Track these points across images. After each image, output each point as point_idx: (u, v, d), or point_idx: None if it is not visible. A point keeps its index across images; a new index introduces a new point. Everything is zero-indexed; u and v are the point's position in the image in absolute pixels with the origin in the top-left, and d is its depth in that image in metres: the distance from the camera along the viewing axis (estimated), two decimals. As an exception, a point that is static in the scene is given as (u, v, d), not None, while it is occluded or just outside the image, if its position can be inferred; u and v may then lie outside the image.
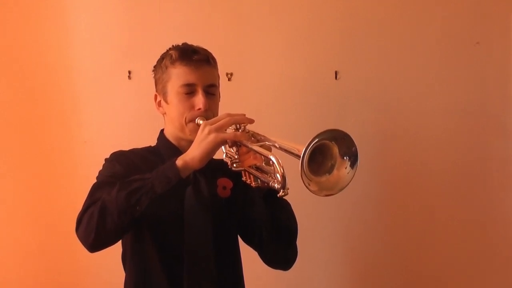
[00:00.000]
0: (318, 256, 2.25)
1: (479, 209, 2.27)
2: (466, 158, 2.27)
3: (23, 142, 2.23)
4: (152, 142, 1.68)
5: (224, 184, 1.60)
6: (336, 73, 2.24)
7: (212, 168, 1.49)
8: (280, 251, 1.59)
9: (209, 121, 1.39)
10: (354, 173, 1.19)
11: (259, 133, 1.39)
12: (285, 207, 1.55)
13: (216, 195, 1.58)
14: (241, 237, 1.68)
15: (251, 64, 2.25)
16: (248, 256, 1.67)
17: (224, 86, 1.71)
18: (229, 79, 2.21)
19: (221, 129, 1.35)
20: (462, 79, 2.26)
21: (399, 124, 2.28)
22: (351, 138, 1.16)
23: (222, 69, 1.68)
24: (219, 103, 1.63)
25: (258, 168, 1.39)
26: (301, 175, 1.12)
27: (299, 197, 1.57)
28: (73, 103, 2.23)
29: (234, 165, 1.43)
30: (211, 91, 1.57)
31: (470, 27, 2.26)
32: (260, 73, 2.25)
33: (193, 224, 1.52)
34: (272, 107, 2.23)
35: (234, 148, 1.42)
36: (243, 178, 1.45)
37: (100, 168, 1.57)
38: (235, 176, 1.56)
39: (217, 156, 1.42)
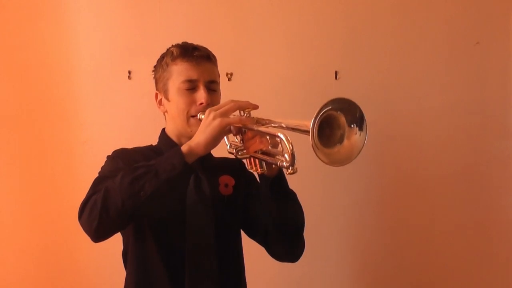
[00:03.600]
0: (322, 253, 2.24)
1: (479, 208, 2.28)
2: (466, 158, 2.28)
3: (23, 142, 2.22)
4: (153, 141, 1.68)
5: (226, 182, 1.59)
6: (336, 73, 2.25)
7: (213, 166, 1.49)
8: (287, 244, 1.57)
9: (214, 107, 1.37)
10: (366, 134, 1.18)
11: (264, 118, 1.37)
12: (292, 198, 1.53)
13: (218, 193, 1.57)
14: (246, 233, 1.67)
15: (251, 64, 2.25)
16: (250, 254, 1.66)
17: (224, 86, 1.71)
18: (229, 79, 2.21)
19: (226, 114, 1.34)
20: (462, 79, 2.27)
21: (399, 124, 2.28)
22: (355, 104, 1.16)
23: (222, 69, 1.68)
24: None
25: (264, 153, 1.36)
26: (313, 148, 1.10)
27: (304, 192, 1.58)
28: (73, 103, 2.23)
29: (239, 153, 1.40)
30: (212, 87, 1.56)
31: (470, 27, 2.27)
32: (260, 73, 2.25)
33: (195, 222, 1.50)
34: (272, 107, 2.19)
35: (238, 137, 1.41)
36: (248, 167, 1.43)
37: (100, 168, 1.56)
38: (237, 173, 1.56)
39: (219, 153, 1.42)
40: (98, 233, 1.37)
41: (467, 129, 2.28)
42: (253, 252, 1.66)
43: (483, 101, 2.28)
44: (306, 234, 1.62)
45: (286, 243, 1.56)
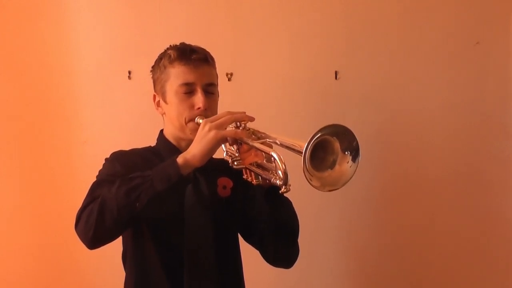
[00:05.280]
0: (319, 256, 2.25)
1: (479, 208, 2.27)
2: (466, 158, 2.27)
3: (23, 142, 2.23)
4: (152, 142, 1.68)
5: (224, 184, 1.60)
6: (336, 73, 2.24)
7: (212, 167, 1.49)
8: (282, 250, 1.59)
9: (210, 118, 1.38)
10: (357, 167, 1.19)
11: (260, 130, 1.39)
12: (286, 205, 1.55)
13: (216, 195, 1.58)
14: (242, 236, 1.68)
15: (251, 64, 2.24)
16: (248, 255, 1.67)
17: (224, 86, 1.71)
18: (229, 79, 2.21)
19: (221, 126, 1.35)
20: (462, 79, 2.26)
21: (399, 124, 2.28)
22: (352, 133, 1.17)
23: (222, 69, 1.69)
24: (218, 102, 1.63)
25: (259, 166, 1.39)
26: (303, 171, 1.12)
27: (301, 196, 1.58)
28: (73, 103, 2.23)
29: (235, 163, 1.42)
30: (210, 90, 1.57)
31: (470, 27, 2.26)
32: (260, 73, 2.25)
33: (193, 223, 1.51)
34: (272, 107, 2.23)
35: (235, 146, 1.42)
36: (244, 176, 1.45)
37: (100, 168, 1.57)
38: (235, 175, 1.57)
39: (217, 155, 1.43)
40: (94, 242, 1.40)
41: (467, 129, 2.27)
42: (252, 252, 1.66)
43: (483, 101, 2.27)
44: (305, 234, 1.63)
45: (279, 248, 1.58)
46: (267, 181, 1.34)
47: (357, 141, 1.18)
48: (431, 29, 2.25)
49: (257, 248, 1.65)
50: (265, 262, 1.64)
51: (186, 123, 1.54)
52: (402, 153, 2.28)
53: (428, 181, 2.28)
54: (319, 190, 1.17)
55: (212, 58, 1.60)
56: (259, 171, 1.38)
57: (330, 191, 1.19)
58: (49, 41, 2.23)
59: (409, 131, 2.28)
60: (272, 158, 1.25)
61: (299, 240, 1.61)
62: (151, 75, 1.63)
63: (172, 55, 1.55)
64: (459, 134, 2.27)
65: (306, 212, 1.69)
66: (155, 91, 1.63)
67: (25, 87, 2.23)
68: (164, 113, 1.62)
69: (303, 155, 1.10)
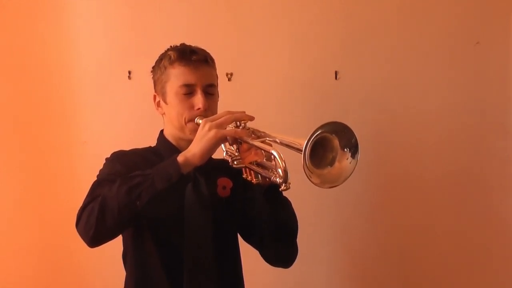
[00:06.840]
0: (318, 256, 2.25)
1: (479, 208, 2.27)
2: (465, 158, 2.27)
3: (23, 142, 2.23)
4: (152, 142, 1.68)
5: (224, 184, 1.61)
6: (336, 73, 2.24)
7: (212, 167, 1.50)
8: (281, 250, 1.60)
9: (210, 118, 1.39)
10: (356, 163, 1.19)
11: (259, 129, 1.39)
12: (286, 205, 1.56)
13: (216, 195, 1.58)
14: (241, 236, 1.68)
15: (251, 64, 2.25)
16: (248, 255, 1.67)
17: (224, 86, 1.71)
18: (229, 79, 2.21)
19: (221, 125, 1.35)
20: (462, 79, 2.26)
21: (399, 124, 2.28)
22: (351, 130, 1.17)
23: (222, 69, 1.69)
24: (219, 102, 1.63)
25: (259, 164, 1.39)
26: (303, 168, 1.12)
27: (299, 196, 1.58)
28: (73, 103, 2.23)
29: (235, 162, 1.42)
30: (210, 91, 1.57)
31: (470, 27, 2.26)
32: (260, 73, 2.25)
33: (193, 223, 1.52)
34: (272, 107, 2.23)
35: (235, 146, 1.42)
36: (244, 175, 1.45)
37: (100, 168, 1.57)
38: (235, 176, 1.57)
39: (217, 155, 1.43)
40: (95, 240, 1.40)
41: (467, 129, 2.27)
42: (252, 252, 1.66)
43: (483, 101, 2.27)
44: (304, 233, 1.63)
45: (279, 248, 1.59)
46: (267, 180, 1.34)
47: (356, 138, 1.18)
48: (431, 29, 2.26)
49: (256, 248, 1.65)
50: (265, 262, 1.64)
51: (185, 124, 1.54)
52: (402, 153, 2.28)
53: (428, 181, 2.28)
54: (319, 187, 1.17)
55: (212, 59, 1.61)
56: (259, 169, 1.38)
57: (330, 187, 1.20)
58: (49, 41, 2.23)
59: (409, 131, 2.28)
60: (272, 156, 1.25)
61: (298, 239, 1.61)
62: (152, 76, 1.64)
63: (172, 56, 1.56)
64: (459, 134, 2.27)
65: (304, 212, 1.69)
66: (155, 91, 1.63)
67: (25, 87, 2.23)
68: (164, 113, 1.63)
69: (303, 152, 1.11)
